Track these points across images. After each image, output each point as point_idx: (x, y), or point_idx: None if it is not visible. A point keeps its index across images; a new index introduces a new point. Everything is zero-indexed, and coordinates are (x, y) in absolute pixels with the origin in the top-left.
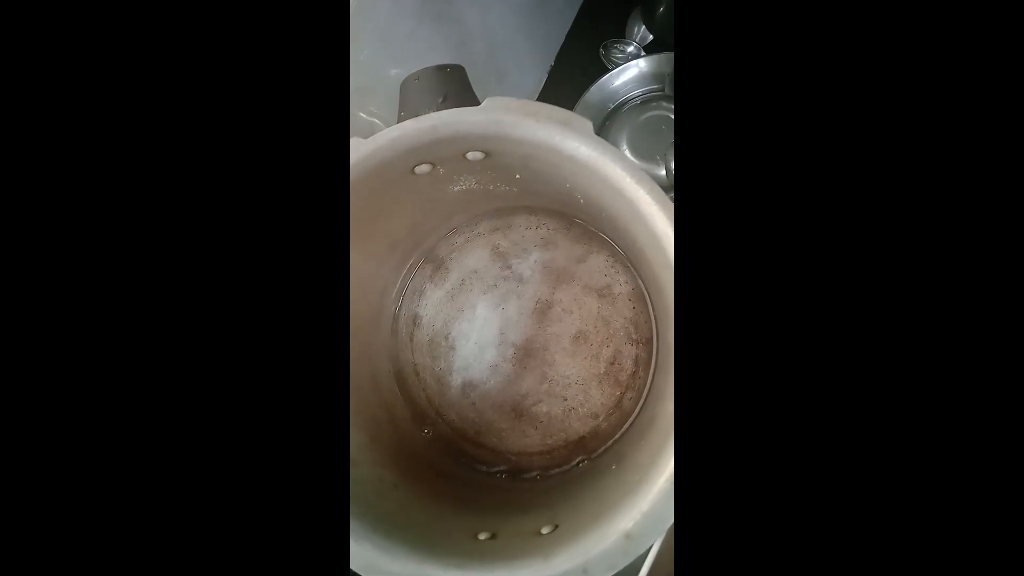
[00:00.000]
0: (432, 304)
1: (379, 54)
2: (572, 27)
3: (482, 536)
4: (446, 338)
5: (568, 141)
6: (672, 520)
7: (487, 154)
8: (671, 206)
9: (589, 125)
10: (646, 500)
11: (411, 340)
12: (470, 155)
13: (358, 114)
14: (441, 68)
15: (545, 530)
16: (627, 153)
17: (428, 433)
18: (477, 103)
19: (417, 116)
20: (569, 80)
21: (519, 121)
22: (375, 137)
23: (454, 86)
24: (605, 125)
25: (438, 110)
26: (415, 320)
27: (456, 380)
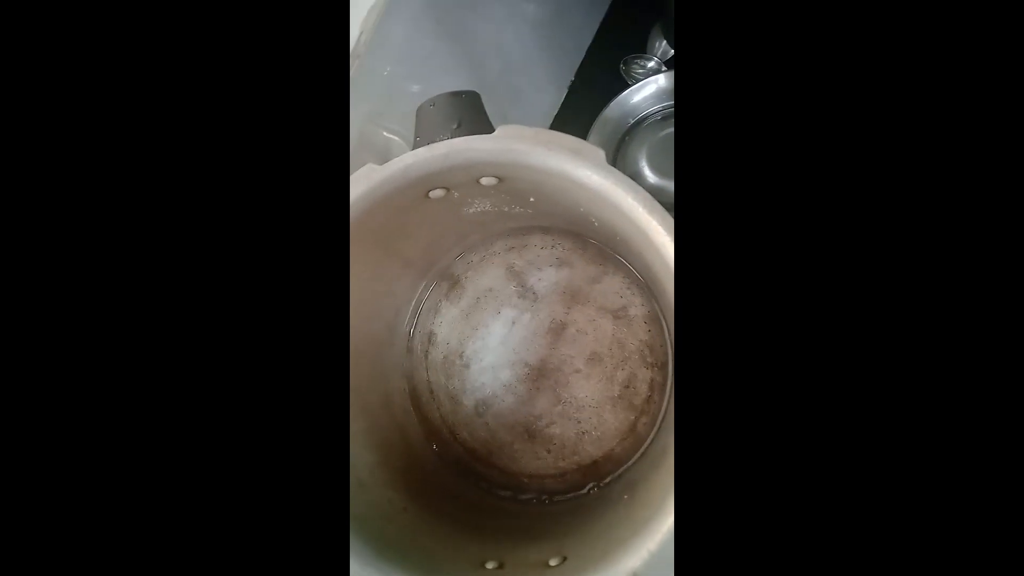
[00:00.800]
0: (447, 322)
1: (398, 73)
2: (592, 42)
3: (489, 565)
4: (460, 356)
5: (580, 170)
6: None
7: (500, 179)
8: None
9: (601, 154)
10: (655, 540)
11: (426, 358)
12: (483, 180)
13: (380, 132)
14: (456, 94)
15: (553, 562)
16: (646, 169)
17: (437, 450)
18: (491, 129)
19: (431, 142)
20: (589, 95)
21: (530, 150)
22: (388, 165)
23: (468, 112)
24: (624, 141)
25: (452, 136)
26: (430, 338)
27: (470, 399)
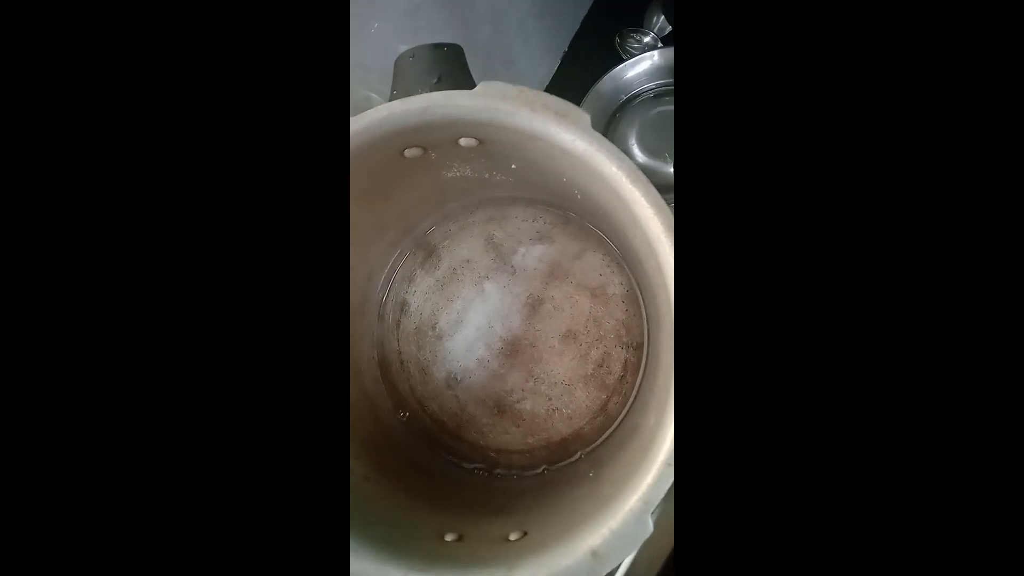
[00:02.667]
0: (421, 292)
1: (385, 29)
2: (588, 13)
3: (449, 537)
4: (433, 327)
5: (564, 134)
6: (641, 542)
7: (481, 141)
8: (667, 211)
9: (587, 118)
10: (616, 519)
11: (397, 327)
12: (463, 141)
13: (359, 90)
14: (437, 46)
15: (513, 536)
16: (635, 148)
17: (404, 416)
18: (473, 86)
19: (409, 96)
20: (582, 68)
21: (513, 110)
22: (361, 116)
23: (449, 66)
24: (616, 117)
25: (432, 91)
26: (403, 307)
27: (440, 371)
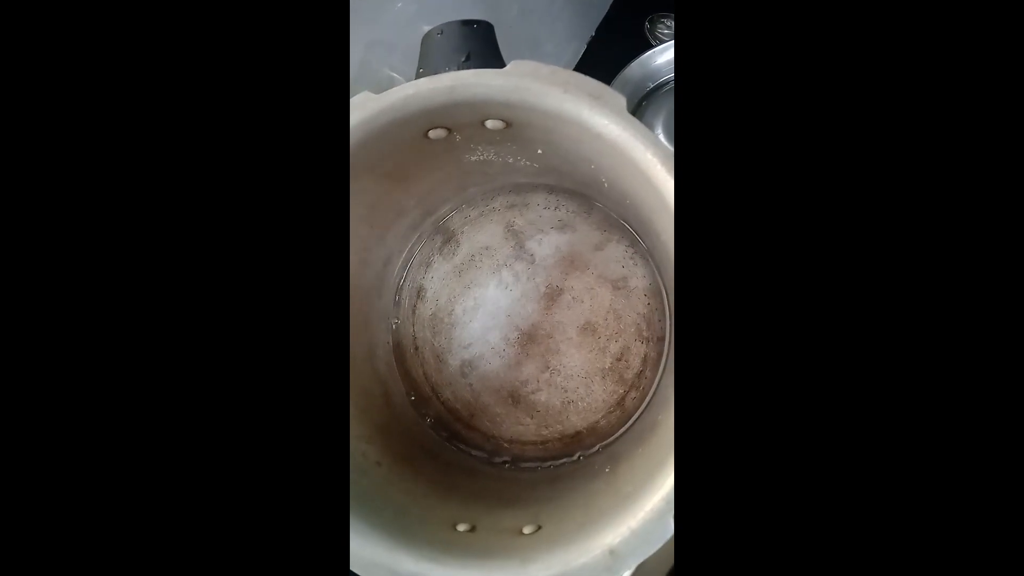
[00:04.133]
0: (439, 277)
1: (409, 8)
2: None
3: (461, 527)
4: (450, 314)
5: (597, 117)
6: (662, 543)
7: (508, 124)
8: None
9: (622, 101)
10: (636, 518)
11: (413, 312)
12: (489, 123)
13: (381, 69)
14: (467, 23)
15: (527, 529)
16: (661, 137)
17: (417, 407)
18: (503, 66)
19: (436, 74)
20: (609, 53)
21: (546, 90)
22: (387, 94)
23: (479, 44)
24: (642, 105)
25: (459, 69)
26: (420, 292)
27: (455, 358)
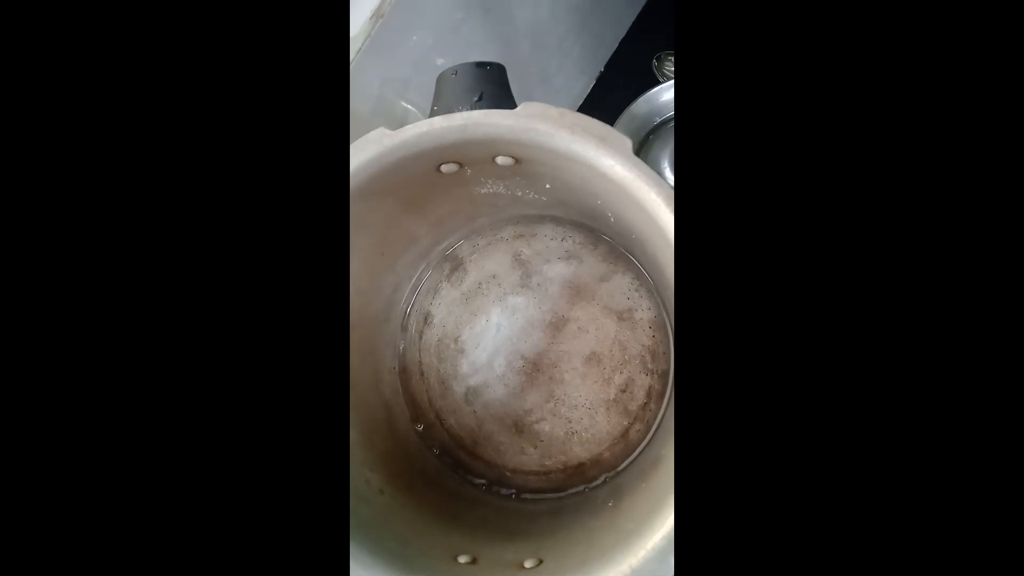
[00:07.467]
0: (446, 304)
1: (423, 42)
2: (626, 35)
3: (462, 559)
4: (456, 340)
5: (603, 158)
6: None
7: (518, 160)
8: None
9: (628, 144)
10: (638, 556)
11: (420, 338)
12: (499, 160)
13: (398, 102)
14: (481, 65)
15: (528, 563)
16: (667, 171)
17: (421, 434)
18: (514, 106)
19: (450, 113)
20: (618, 88)
21: (554, 131)
22: (402, 130)
23: (491, 86)
24: (648, 140)
25: (472, 109)
26: (427, 318)
27: (460, 385)
